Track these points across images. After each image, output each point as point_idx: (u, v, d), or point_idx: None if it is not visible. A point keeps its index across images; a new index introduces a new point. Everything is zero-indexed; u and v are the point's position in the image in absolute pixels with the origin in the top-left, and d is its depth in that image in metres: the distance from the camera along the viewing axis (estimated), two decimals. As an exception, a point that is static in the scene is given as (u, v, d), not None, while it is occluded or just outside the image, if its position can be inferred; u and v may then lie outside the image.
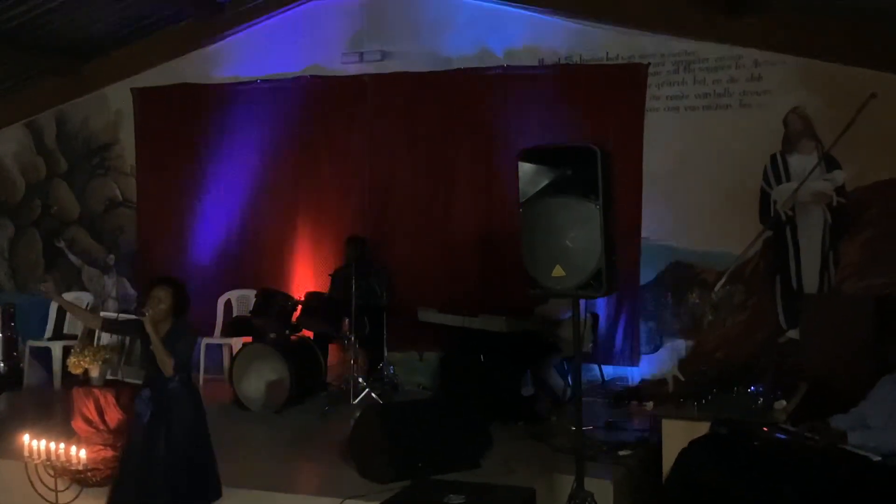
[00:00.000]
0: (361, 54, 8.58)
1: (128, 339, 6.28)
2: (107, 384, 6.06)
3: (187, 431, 4.90)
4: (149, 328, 4.81)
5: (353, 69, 8.65)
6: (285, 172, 8.95)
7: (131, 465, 4.89)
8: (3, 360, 8.54)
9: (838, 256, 7.26)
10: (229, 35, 9.11)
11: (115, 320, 5.51)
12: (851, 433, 4.77)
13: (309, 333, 8.02)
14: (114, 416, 5.90)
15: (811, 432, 4.88)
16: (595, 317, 7.58)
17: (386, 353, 8.02)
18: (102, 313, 6.64)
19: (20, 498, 5.71)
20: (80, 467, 5.50)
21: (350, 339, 7.54)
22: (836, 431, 4.84)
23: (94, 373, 6.07)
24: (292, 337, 7.81)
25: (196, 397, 5.01)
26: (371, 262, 8.08)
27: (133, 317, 5.32)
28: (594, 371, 7.68)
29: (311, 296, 7.88)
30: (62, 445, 5.54)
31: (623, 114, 7.82)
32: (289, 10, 8.91)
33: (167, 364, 4.79)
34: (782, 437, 4.86)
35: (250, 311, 8.00)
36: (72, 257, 9.82)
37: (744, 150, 7.49)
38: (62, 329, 8.87)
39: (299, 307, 7.76)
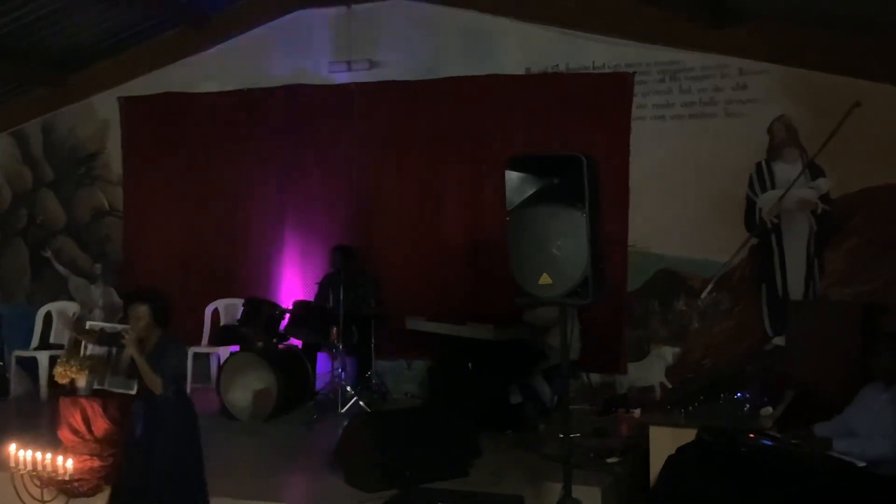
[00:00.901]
0: (349, 63, 8.59)
1: (114, 348, 6.24)
2: (94, 394, 6.02)
3: (178, 445, 4.84)
4: (131, 350, 4.73)
5: (341, 78, 8.67)
6: (272, 181, 8.95)
7: (126, 479, 4.86)
8: (-11, 371, 8.51)
9: (823, 264, 7.30)
10: (216, 44, 9.11)
11: (107, 333, 5.45)
12: (837, 440, 4.80)
13: (297, 342, 8.01)
14: (101, 425, 5.86)
15: (797, 439, 4.90)
16: (582, 324, 7.59)
17: (374, 362, 8.03)
18: (89, 323, 6.59)
19: (6, 509, 5.69)
20: (67, 477, 5.49)
21: (338, 347, 7.53)
22: (821, 438, 4.87)
23: (81, 382, 6.03)
24: (280, 346, 7.80)
25: (189, 410, 4.95)
26: (359, 270, 8.08)
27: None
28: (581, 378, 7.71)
29: (298, 304, 7.89)
30: (49, 455, 5.53)
31: (609, 122, 7.86)
32: (276, 19, 8.92)
33: (156, 384, 4.73)
34: (769, 443, 4.88)
35: (238, 320, 7.99)
36: (58, 267, 9.77)
37: (729, 159, 7.53)
38: (48, 339, 8.83)
39: (287, 316, 7.75)
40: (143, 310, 4.78)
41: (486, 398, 6.92)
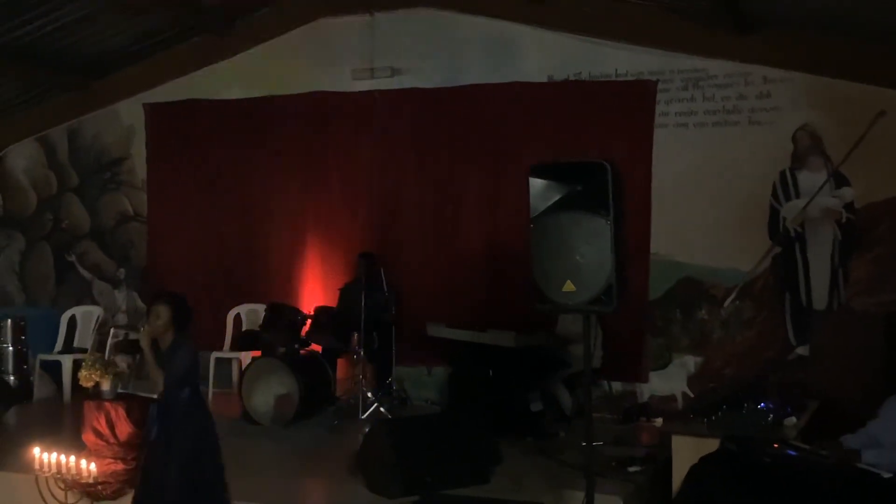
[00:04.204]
0: (371, 70, 8.62)
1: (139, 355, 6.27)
2: (118, 397, 6.06)
3: (194, 447, 4.88)
4: (143, 344, 4.82)
5: (363, 85, 8.70)
6: (295, 187, 8.99)
7: (146, 482, 4.89)
8: (13, 373, 8.56)
9: (848, 273, 7.25)
10: (240, 52, 9.18)
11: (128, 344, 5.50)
12: (865, 451, 4.75)
13: (318, 348, 8.04)
14: (124, 429, 5.90)
15: (825, 450, 4.86)
16: (604, 332, 7.57)
17: (394, 368, 8.04)
18: (113, 328, 6.64)
19: (30, 511, 5.73)
20: (91, 480, 5.53)
21: (359, 353, 7.54)
22: (849, 450, 4.83)
23: (105, 386, 6.08)
24: (301, 351, 7.83)
25: (204, 412, 4.99)
26: (380, 276, 8.10)
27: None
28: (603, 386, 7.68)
29: (320, 310, 7.91)
30: (73, 458, 5.57)
31: (632, 130, 7.84)
32: (299, 27, 8.97)
33: (158, 381, 4.79)
34: (793, 453, 4.85)
35: (260, 326, 8.02)
36: (82, 271, 9.86)
37: (753, 167, 7.49)
38: (72, 342, 8.92)
39: (308, 321, 7.78)
40: (162, 310, 4.87)
41: (507, 405, 6.91)
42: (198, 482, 4.85)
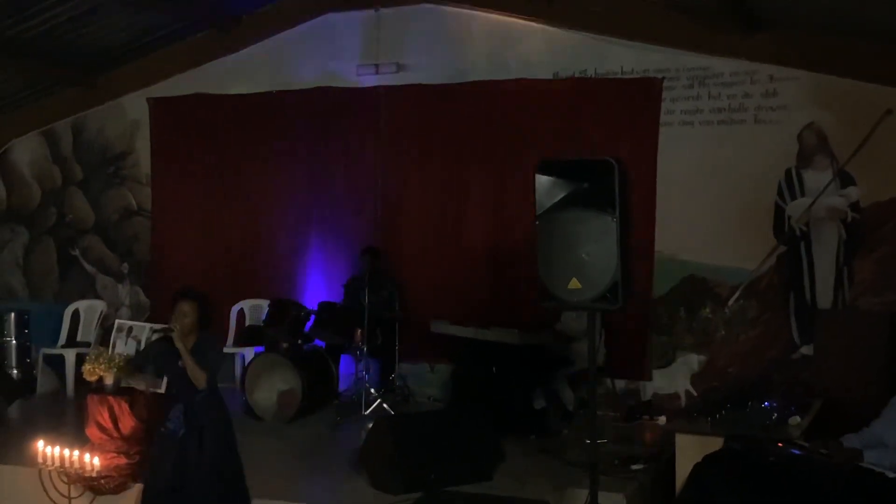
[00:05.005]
0: (377, 66, 8.61)
1: (141, 345, 6.27)
2: (121, 392, 6.07)
3: (219, 441, 4.90)
4: (178, 344, 4.78)
5: (368, 81, 8.69)
6: (299, 183, 8.99)
7: (163, 478, 4.86)
8: (16, 367, 8.58)
9: (853, 272, 7.23)
10: (245, 47, 9.17)
11: (144, 356, 5.43)
12: (867, 451, 4.74)
13: (321, 343, 8.03)
14: (128, 423, 5.91)
15: (826, 450, 4.85)
16: (607, 330, 7.56)
17: (397, 364, 8.03)
18: (118, 321, 6.61)
19: (34, 504, 5.74)
20: (94, 474, 5.54)
21: (362, 349, 7.54)
22: (851, 449, 4.82)
23: (109, 380, 6.08)
24: (304, 347, 7.82)
25: (223, 407, 5.01)
26: (383, 273, 8.10)
27: (154, 334, 5.25)
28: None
29: (323, 306, 7.90)
30: (76, 452, 5.58)
31: (637, 128, 7.83)
32: (305, 22, 8.97)
33: (200, 378, 4.78)
34: (797, 453, 4.84)
35: (263, 321, 8.02)
36: (86, 265, 9.86)
37: (758, 166, 7.48)
38: (75, 336, 8.93)
39: (312, 317, 7.77)
40: (191, 307, 4.85)
41: (510, 403, 6.90)
42: (223, 476, 4.87)
